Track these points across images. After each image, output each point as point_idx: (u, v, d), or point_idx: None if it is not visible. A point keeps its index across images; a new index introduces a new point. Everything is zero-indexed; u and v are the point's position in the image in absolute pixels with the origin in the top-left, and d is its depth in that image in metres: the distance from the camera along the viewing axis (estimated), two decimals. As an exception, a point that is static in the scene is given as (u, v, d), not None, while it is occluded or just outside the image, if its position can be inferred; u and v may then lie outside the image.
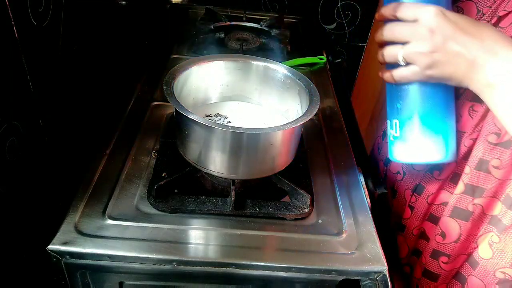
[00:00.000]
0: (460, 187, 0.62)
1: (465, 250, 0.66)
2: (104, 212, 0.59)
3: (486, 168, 0.59)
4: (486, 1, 0.58)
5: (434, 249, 0.68)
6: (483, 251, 0.63)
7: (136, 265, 0.55)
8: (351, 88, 1.54)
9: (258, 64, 0.72)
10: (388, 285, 0.57)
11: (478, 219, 0.63)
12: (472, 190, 0.61)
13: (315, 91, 0.65)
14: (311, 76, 0.99)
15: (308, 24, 1.28)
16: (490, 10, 0.57)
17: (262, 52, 1.03)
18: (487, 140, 0.58)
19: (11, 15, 0.51)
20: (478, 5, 0.59)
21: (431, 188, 0.67)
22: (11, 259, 0.57)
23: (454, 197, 0.63)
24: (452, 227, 0.64)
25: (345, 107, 0.91)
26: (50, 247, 0.54)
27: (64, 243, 0.54)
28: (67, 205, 0.59)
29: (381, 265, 0.56)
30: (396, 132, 0.61)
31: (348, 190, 0.68)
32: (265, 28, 1.12)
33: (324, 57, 1.06)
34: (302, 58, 1.03)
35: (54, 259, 0.54)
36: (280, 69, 0.71)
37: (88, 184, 0.63)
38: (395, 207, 0.76)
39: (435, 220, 0.68)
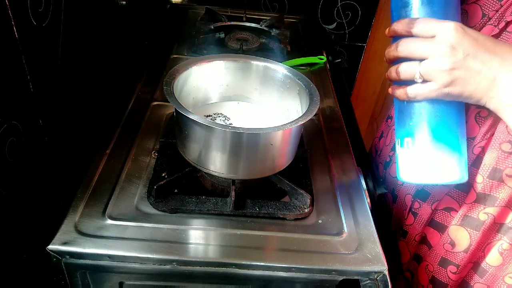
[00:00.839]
0: (471, 196, 0.61)
1: (472, 259, 0.65)
2: (104, 212, 0.59)
3: (500, 177, 0.57)
4: (492, 4, 0.56)
5: (442, 257, 0.67)
6: (492, 259, 0.62)
7: (136, 265, 0.55)
8: (351, 88, 1.54)
9: (258, 64, 0.72)
10: (388, 285, 0.57)
11: (489, 229, 0.61)
12: (484, 198, 0.60)
13: (315, 91, 0.64)
14: (311, 76, 0.99)
15: (308, 24, 1.28)
16: (497, 14, 0.55)
17: (262, 52, 1.03)
18: (501, 148, 0.56)
19: (11, 15, 0.51)
20: (483, 8, 0.57)
21: (437, 194, 0.66)
22: (11, 259, 0.57)
23: (465, 206, 0.62)
24: (462, 237, 0.63)
25: (345, 107, 0.91)
26: (50, 247, 0.54)
27: (64, 243, 0.54)
28: (67, 205, 0.59)
29: (381, 265, 0.56)
30: (408, 151, 0.57)
31: (348, 190, 0.68)
32: (265, 28, 1.12)
33: (324, 57, 1.06)
34: (302, 58, 1.03)
35: (54, 259, 0.54)
36: (280, 69, 0.71)
37: (88, 184, 0.63)
38: (395, 212, 0.76)
39: (439, 226, 0.67)
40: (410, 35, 0.52)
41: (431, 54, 0.50)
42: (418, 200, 0.69)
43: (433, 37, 0.50)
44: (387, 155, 0.78)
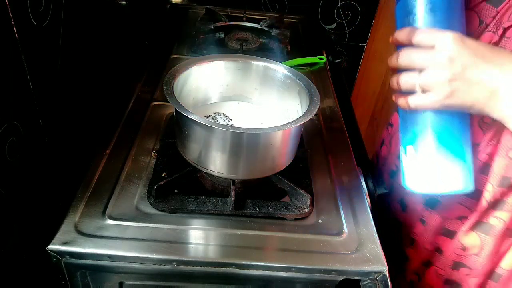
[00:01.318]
0: (482, 203, 0.61)
1: (487, 266, 0.64)
2: (104, 212, 0.59)
3: (509, 184, 0.58)
4: (488, 11, 0.56)
5: (454, 261, 0.67)
6: (508, 264, 0.62)
7: (136, 265, 0.55)
8: (351, 88, 1.54)
9: (258, 64, 0.72)
10: (388, 285, 0.57)
11: (502, 235, 0.61)
12: (494, 204, 0.60)
13: (315, 91, 0.64)
14: (311, 76, 0.99)
15: (308, 24, 1.28)
16: (494, 21, 0.55)
17: (262, 52, 1.03)
18: (508, 156, 0.56)
19: (11, 15, 0.51)
20: (480, 15, 0.57)
21: (447, 203, 0.65)
22: (11, 259, 0.57)
23: (476, 212, 0.62)
24: (473, 241, 0.63)
25: (345, 107, 0.91)
26: (50, 247, 0.54)
27: (64, 243, 0.54)
28: (67, 205, 0.59)
29: (381, 265, 0.56)
30: (410, 159, 0.57)
31: (348, 190, 0.68)
32: (265, 28, 1.12)
33: (324, 57, 1.06)
34: (302, 58, 1.03)
35: (54, 259, 0.54)
36: (280, 69, 0.71)
37: (88, 184, 0.63)
38: (406, 221, 0.74)
39: (451, 234, 0.66)
40: (411, 44, 0.52)
41: (430, 65, 0.50)
42: (429, 209, 0.68)
43: (432, 47, 0.50)
44: (393, 164, 0.77)
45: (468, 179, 0.55)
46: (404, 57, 0.53)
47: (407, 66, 0.53)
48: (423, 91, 0.52)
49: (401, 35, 0.54)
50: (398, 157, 0.74)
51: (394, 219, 0.77)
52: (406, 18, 0.55)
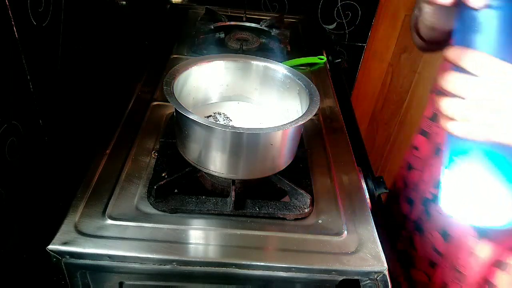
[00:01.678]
0: None
1: None
2: (104, 212, 0.59)
3: None
4: None
5: None
6: None
7: (136, 265, 0.55)
8: (351, 88, 1.54)
9: (258, 64, 0.72)
10: (388, 285, 0.57)
11: None
12: None
13: (315, 91, 0.64)
14: (311, 76, 0.99)
15: (308, 24, 1.28)
16: None
17: (262, 52, 1.03)
18: None
19: (11, 15, 0.51)
20: None
21: (497, 233, 0.61)
22: (11, 259, 0.57)
23: None
24: None
25: (345, 107, 0.91)
26: (50, 247, 0.54)
27: (64, 243, 0.54)
28: (67, 205, 0.59)
29: (381, 265, 0.56)
30: (447, 184, 0.53)
31: (348, 190, 0.68)
32: (265, 28, 1.12)
33: (324, 57, 1.06)
34: (302, 58, 1.03)
35: (54, 259, 0.54)
36: (280, 69, 0.71)
37: (88, 184, 0.63)
38: (449, 252, 0.69)
39: (504, 266, 0.62)
40: (458, 65, 0.48)
41: (467, 96, 0.46)
42: (479, 241, 0.64)
43: (475, 76, 0.46)
44: (427, 192, 0.73)
45: (506, 214, 0.51)
46: (448, 81, 0.48)
47: (449, 91, 0.48)
48: (461, 119, 0.48)
49: (450, 53, 0.48)
50: (435, 186, 0.70)
51: (434, 249, 0.73)
52: (460, 33, 0.49)
